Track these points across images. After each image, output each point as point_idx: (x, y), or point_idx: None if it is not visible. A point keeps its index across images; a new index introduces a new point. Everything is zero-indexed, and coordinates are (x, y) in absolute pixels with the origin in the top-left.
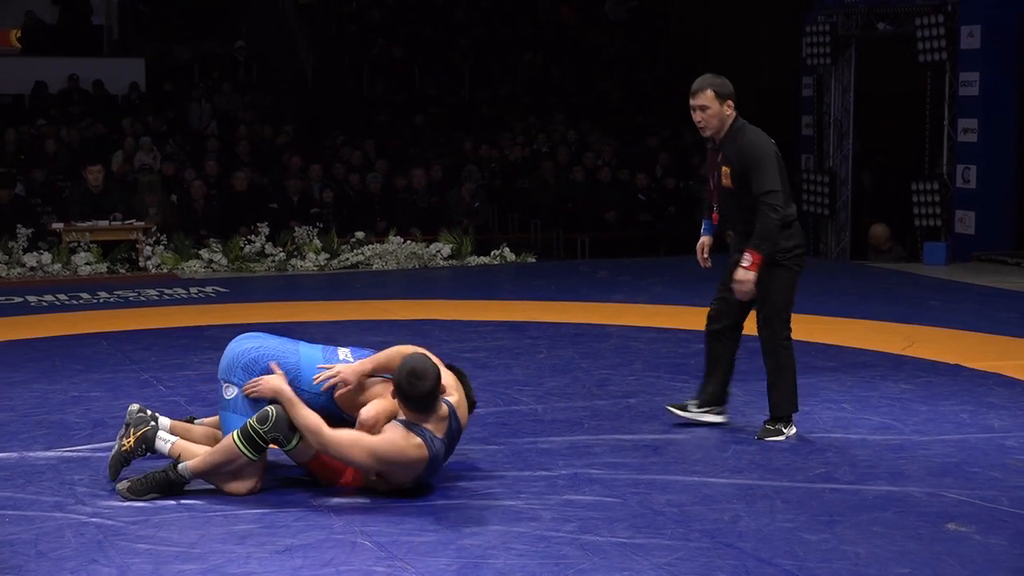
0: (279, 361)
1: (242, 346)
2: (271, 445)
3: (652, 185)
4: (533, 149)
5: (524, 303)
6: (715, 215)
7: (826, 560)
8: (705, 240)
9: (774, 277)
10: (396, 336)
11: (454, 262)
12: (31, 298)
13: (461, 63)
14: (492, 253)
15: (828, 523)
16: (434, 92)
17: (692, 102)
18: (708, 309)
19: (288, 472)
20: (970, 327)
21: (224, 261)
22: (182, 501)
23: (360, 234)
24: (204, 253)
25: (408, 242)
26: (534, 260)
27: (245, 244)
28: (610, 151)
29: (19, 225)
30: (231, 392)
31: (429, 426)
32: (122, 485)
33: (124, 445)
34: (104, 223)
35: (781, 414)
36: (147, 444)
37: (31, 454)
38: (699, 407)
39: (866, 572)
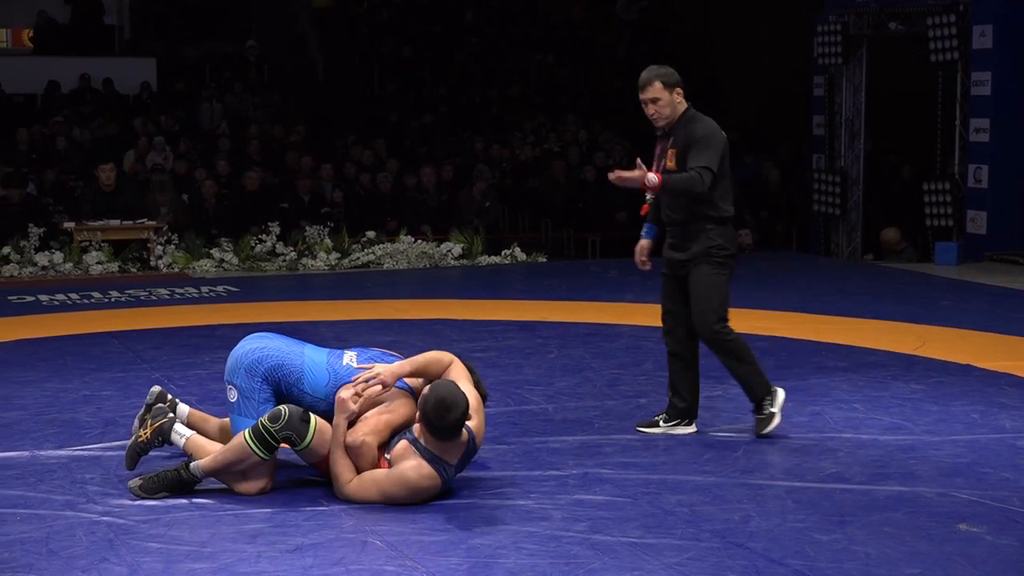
0: (285, 362)
1: (246, 347)
2: (283, 444)
3: None
4: (544, 149)
5: (535, 303)
6: (646, 206)
7: (837, 560)
8: (645, 243)
9: (700, 274)
10: (407, 335)
11: (465, 262)
12: (43, 297)
13: (471, 63)
14: (503, 253)
15: (839, 523)
16: (444, 92)
17: (642, 96)
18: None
19: (299, 472)
20: (981, 327)
21: (235, 260)
22: (193, 500)
23: (371, 234)
24: (215, 252)
25: (419, 242)
26: (545, 260)
27: (256, 243)
28: (621, 151)
29: (31, 224)
30: (233, 395)
31: (447, 455)
32: (134, 483)
33: (140, 436)
34: (115, 222)
35: (759, 396)
36: (163, 436)
37: (42, 453)
38: (667, 422)
39: (877, 572)
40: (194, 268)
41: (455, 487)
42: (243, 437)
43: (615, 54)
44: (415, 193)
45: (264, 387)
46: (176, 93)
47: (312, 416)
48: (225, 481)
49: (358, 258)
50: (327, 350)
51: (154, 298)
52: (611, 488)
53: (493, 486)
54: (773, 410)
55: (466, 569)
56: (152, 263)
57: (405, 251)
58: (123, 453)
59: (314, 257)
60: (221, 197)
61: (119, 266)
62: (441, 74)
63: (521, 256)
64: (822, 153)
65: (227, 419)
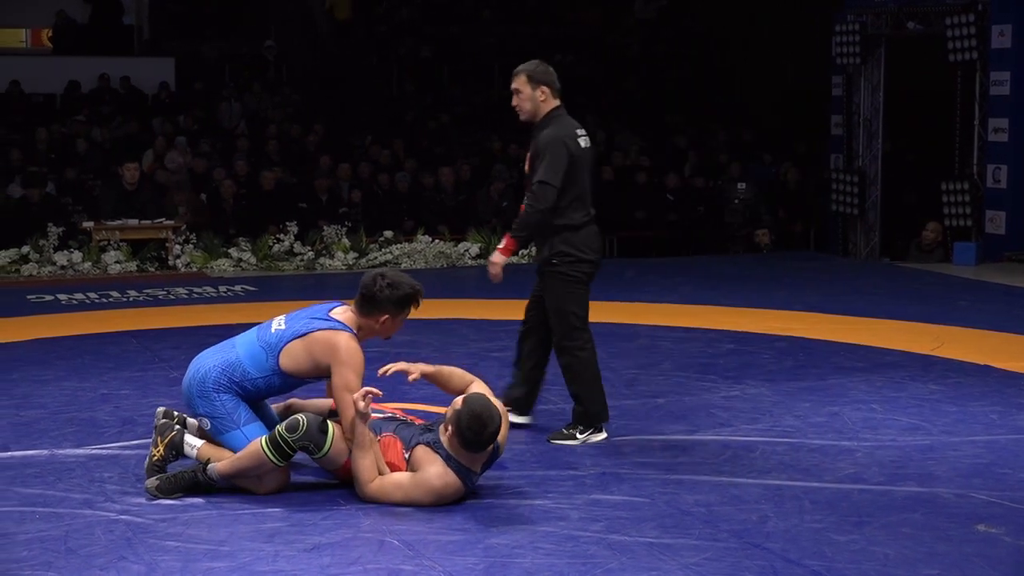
0: (224, 363)
1: (187, 379)
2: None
3: (681, 185)
4: None
5: None
6: (523, 206)
7: (855, 561)
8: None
9: (547, 287)
10: (424, 335)
11: (482, 261)
12: (61, 296)
13: (489, 62)
14: (520, 253)
15: (857, 524)
16: (462, 92)
17: (511, 86)
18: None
19: (317, 473)
20: (1000, 327)
21: (253, 260)
22: (211, 499)
23: (388, 233)
24: (233, 252)
25: (436, 241)
26: None
27: (274, 243)
28: (638, 151)
29: (50, 224)
30: (206, 423)
31: (474, 465)
32: (151, 483)
33: (155, 455)
34: (134, 222)
35: (581, 422)
36: (176, 449)
37: (61, 452)
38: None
39: (895, 573)
40: (212, 267)
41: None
42: (260, 445)
43: (632, 54)
44: (433, 193)
45: (224, 398)
46: (195, 93)
47: (330, 425)
48: (240, 484)
49: (376, 258)
50: (255, 328)
51: (172, 297)
52: (628, 488)
53: (510, 486)
54: (580, 438)
55: (483, 568)
56: (170, 262)
57: (423, 251)
58: (141, 452)
59: (332, 256)
60: (239, 197)
61: (137, 265)
62: (459, 74)
63: None
64: (840, 153)
65: None
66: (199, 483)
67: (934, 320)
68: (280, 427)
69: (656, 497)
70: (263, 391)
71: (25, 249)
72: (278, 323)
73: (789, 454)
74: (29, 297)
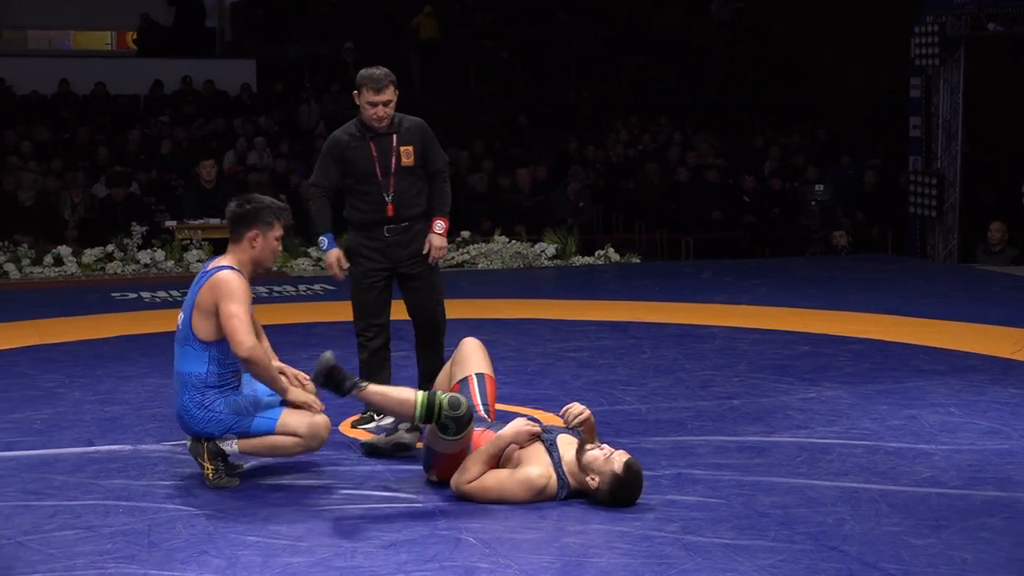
0: (181, 388)
1: (183, 426)
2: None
3: (758, 186)
4: (638, 150)
5: (628, 303)
6: (391, 206)
7: (932, 565)
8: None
9: (432, 272)
10: (501, 335)
11: (559, 262)
12: (144, 294)
13: (566, 65)
14: (596, 253)
15: (934, 528)
16: (539, 93)
17: (377, 97)
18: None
19: (395, 472)
20: None
21: None
22: (290, 495)
23: (466, 233)
24: (313, 251)
25: (513, 242)
26: (638, 260)
27: (321, 252)
28: (715, 152)
29: (134, 223)
30: (233, 440)
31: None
32: (328, 355)
33: (209, 472)
34: (215, 221)
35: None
36: (220, 456)
37: (144, 447)
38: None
39: None
40: (292, 266)
41: None
42: (415, 395)
43: (709, 55)
44: (510, 193)
45: (217, 407)
46: (275, 94)
47: (473, 424)
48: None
49: (452, 258)
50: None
51: (252, 296)
52: (704, 489)
53: None
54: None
55: (559, 567)
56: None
57: (499, 251)
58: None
59: None
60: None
61: None
62: (536, 76)
63: (615, 257)
64: (918, 155)
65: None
66: (349, 384)
67: (1014, 324)
68: (444, 397)
69: (732, 498)
70: (222, 373)
71: (110, 247)
72: (179, 319)
73: (866, 457)
74: (113, 294)
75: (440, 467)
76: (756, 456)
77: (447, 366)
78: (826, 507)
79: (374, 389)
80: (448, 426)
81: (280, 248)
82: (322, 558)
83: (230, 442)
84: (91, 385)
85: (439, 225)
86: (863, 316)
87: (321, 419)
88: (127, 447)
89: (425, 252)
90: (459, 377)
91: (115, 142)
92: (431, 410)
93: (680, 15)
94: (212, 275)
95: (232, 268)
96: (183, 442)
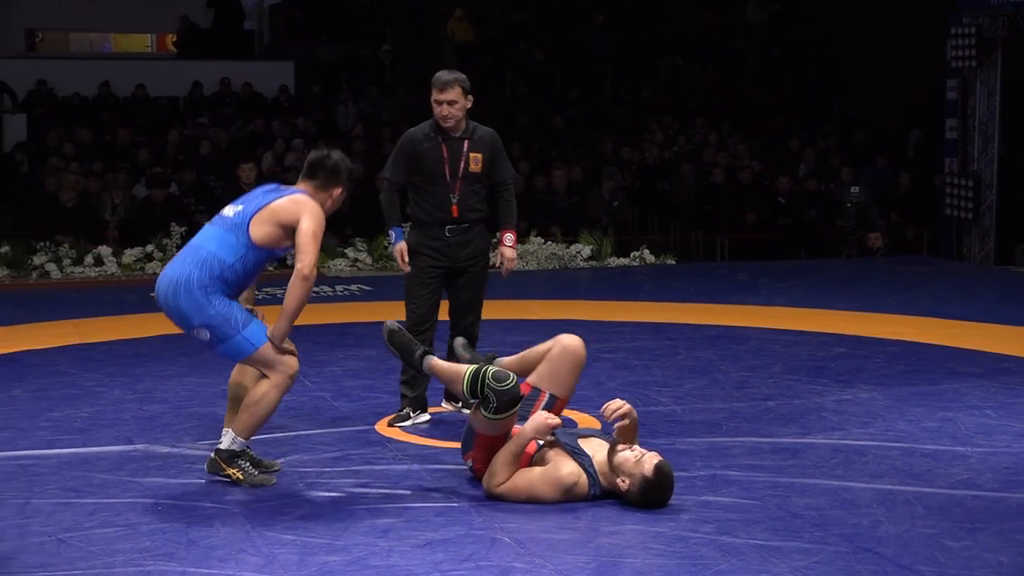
0: (199, 262)
1: (169, 292)
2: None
3: (793, 188)
4: (674, 151)
5: (663, 304)
6: (455, 208)
7: (968, 568)
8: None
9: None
10: (536, 336)
11: (594, 263)
12: None
13: (602, 66)
14: (632, 254)
15: (970, 530)
16: (575, 94)
17: (441, 96)
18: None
19: (432, 472)
20: None
21: (369, 260)
22: (328, 494)
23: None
24: (349, 252)
25: (548, 243)
26: (674, 262)
27: (389, 244)
28: (750, 153)
29: (173, 223)
30: (204, 334)
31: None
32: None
33: (238, 478)
34: None
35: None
36: (232, 456)
37: (182, 445)
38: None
39: None
40: (329, 267)
41: None
42: (464, 370)
43: (746, 57)
44: (545, 194)
45: (216, 301)
46: (313, 96)
47: (519, 405)
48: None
49: (489, 258)
50: (207, 227)
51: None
52: (739, 490)
53: None
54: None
55: (594, 568)
56: (288, 261)
57: (535, 252)
58: (260, 447)
59: None
60: (355, 198)
61: None
62: (572, 77)
63: (650, 258)
64: (955, 157)
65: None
66: (418, 364)
67: None
68: (494, 371)
69: (767, 500)
70: (240, 276)
71: (149, 248)
72: (232, 210)
73: (901, 459)
74: (152, 294)
75: (478, 451)
76: (791, 457)
77: (539, 347)
78: (861, 509)
79: (437, 360)
80: (490, 399)
81: None
82: (358, 557)
83: (227, 436)
84: (130, 384)
85: (509, 237)
86: (898, 318)
87: (295, 360)
88: (166, 446)
89: (498, 264)
90: (541, 383)
91: (155, 143)
92: (476, 379)
93: (716, 17)
94: (297, 194)
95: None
96: (219, 442)
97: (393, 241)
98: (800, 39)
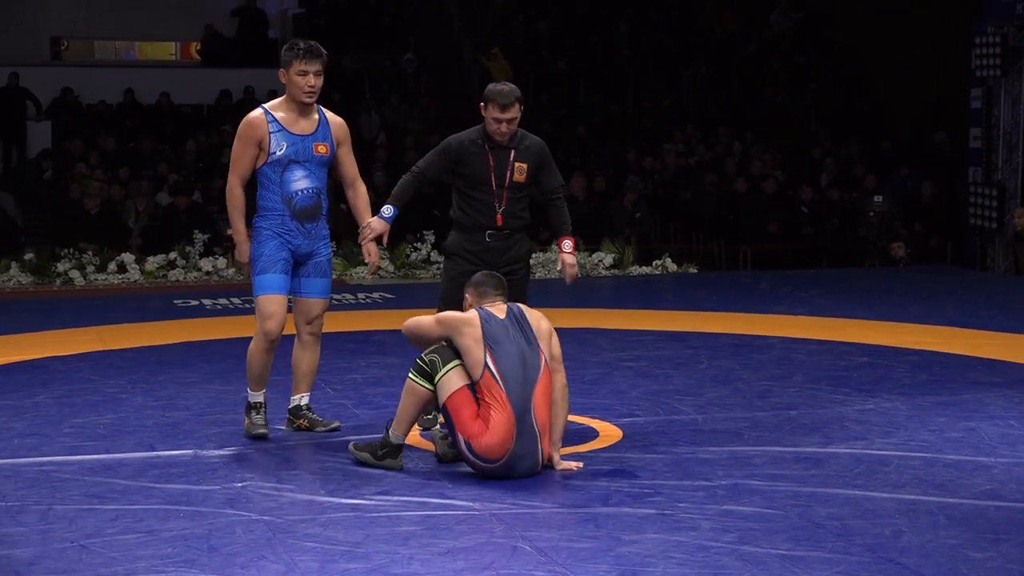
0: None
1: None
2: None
3: (816, 197)
4: (695, 160)
5: (685, 313)
6: (500, 216)
7: None
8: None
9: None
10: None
11: (616, 271)
12: (206, 301)
13: (625, 74)
14: (654, 263)
15: (993, 541)
16: (597, 103)
17: (504, 115)
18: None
19: (453, 478)
20: None
21: (391, 268)
22: (349, 501)
23: None
24: None
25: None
26: (696, 271)
27: (411, 251)
28: (774, 162)
29: (196, 231)
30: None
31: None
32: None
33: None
34: None
35: None
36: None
37: (205, 452)
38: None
39: None
40: (351, 275)
41: (605, 494)
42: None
43: (769, 65)
44: (568, 203)
45: (254, 236)
46: (335, 104)
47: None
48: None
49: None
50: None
51: None
52: (760, 500)
53: (642, 495)
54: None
55: None
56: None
57: (557, 260)
58: (281, 455)
59: None
60: (378, 206)
61: None
62: (594, 85)
63: (672, 267)
64: (979, 166)
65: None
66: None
67: None
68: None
69: (788, 509)
70: (264, 198)
71: (172, 255)
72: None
73: (924, 469)
74: (176, 302)
75: (453, 413)
76: (813, 467)
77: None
78: (883, 519)
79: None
80: (435, 362)
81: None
82: (379, 564)
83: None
84: (153, 391)
85: (567, 244)
86: (921, 328)
87: (272, 323)
88: (188, 452)
89: (559, 269)
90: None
91: (178, 151)
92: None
93: (739, 25)
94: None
95: (263, 110)
96: (243, 448)
97: (381, 214)
98: (824, 47)
